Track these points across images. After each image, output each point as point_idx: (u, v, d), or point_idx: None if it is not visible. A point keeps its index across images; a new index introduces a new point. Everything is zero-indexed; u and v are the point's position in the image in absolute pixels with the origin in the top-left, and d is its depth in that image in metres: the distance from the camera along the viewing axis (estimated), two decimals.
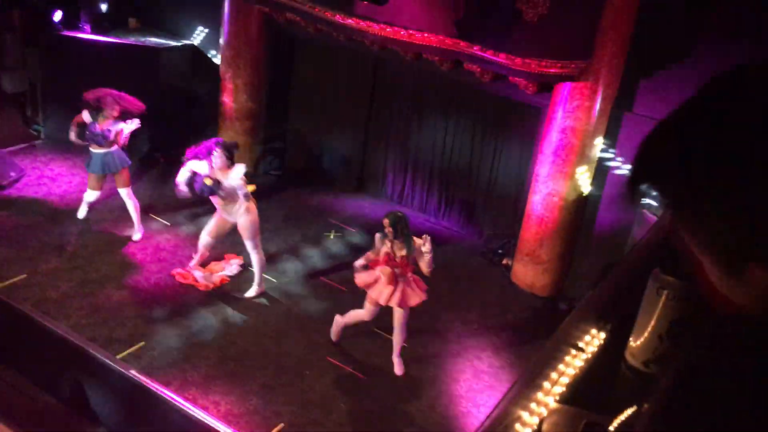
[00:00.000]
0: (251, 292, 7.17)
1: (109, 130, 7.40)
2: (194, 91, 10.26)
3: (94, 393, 6.03)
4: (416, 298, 6.07)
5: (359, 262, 6.15)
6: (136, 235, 7.91)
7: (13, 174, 8.73)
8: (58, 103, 9.64)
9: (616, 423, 1.62)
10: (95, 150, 7.51)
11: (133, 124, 7.44)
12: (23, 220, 8.03)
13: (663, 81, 6.72)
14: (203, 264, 7.39)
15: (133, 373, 5.73)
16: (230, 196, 6.69)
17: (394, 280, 5.95)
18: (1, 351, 6.45)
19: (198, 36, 10.14)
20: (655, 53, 6.78)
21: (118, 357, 6.01)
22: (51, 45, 9.56)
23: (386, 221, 5.82)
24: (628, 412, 1.60)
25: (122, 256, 7.61)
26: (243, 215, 6.82)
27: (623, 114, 7.13)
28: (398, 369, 6.34)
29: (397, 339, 6.28)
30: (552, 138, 7.41)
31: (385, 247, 5.90)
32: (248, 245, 7.01)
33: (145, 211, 8.40)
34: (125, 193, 7.77)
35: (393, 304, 6.03)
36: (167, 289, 7.15)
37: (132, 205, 7.85)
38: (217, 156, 6.61)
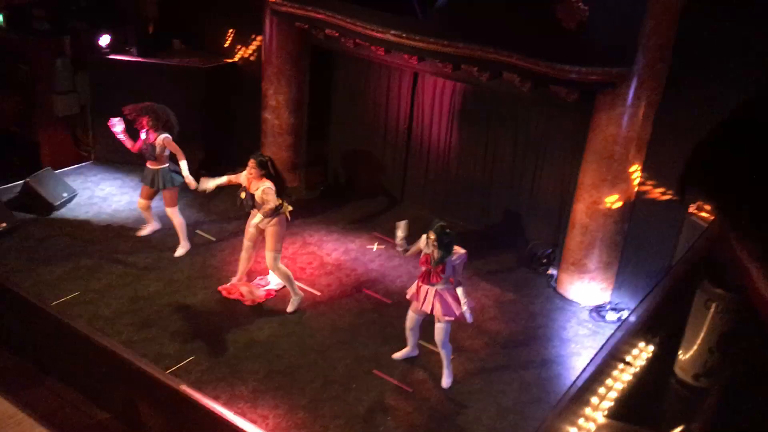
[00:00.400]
0: (291, 307, 7.22)
1: (153, 145, 7.61)
2: (237, 108, 10.46)
3: (145, 407, 6.16)
4: (451, 313, 5.99)
5: (402, 240, 6.13)
6: (179, 251, 8.08)
7: (65, 194, 9.00)
8: (107, 125, 9.92)
9: None
10: (147, 165, 7.78)
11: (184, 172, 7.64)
12: (75, 239, 8.28)
13: (707, 86, 6.59)
14: (249, 278, 7.50)
15: (183, 387, 5.85)
16: (260, 207, 6.80)
17: (427, 279, 5.96)
18: (56, 367, 6.65)
19: (239, 54, 10.32)
20: (699, 58, 6.65)
21: (168, 372, 6.13)
22: (99, 68, 9.85)
23: (432, 234, 5.81)
24: (677, 430, 1.57)
25: (170, 272, 7.76)
26: (269, 224, 6.91)
27: (667, 120, 7.00)
28: (445, 382, 6.33)
29: (441, 354, 6.28)
30: (595, 145, 7.33)
31: (427, 249, 5.92)
32: (268, 257, 7.04)
33: (192, 228, 8.59)
34: (168, 212, 7.99)
35: (427, 310, 6.03)
36: (214, 305, 7.27)
37: (176, 223, 8.04)
38: (250, 167, 6.75)
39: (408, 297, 6.31)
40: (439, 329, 6.11)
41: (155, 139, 7.60)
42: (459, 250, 5.89)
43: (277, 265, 7.06)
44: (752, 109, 0.95)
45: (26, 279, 7.33)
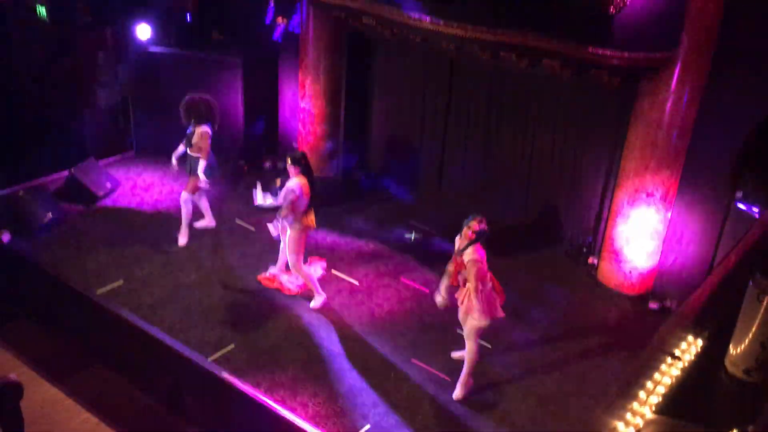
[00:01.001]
0: (314, 303, 7.17)
1: (192, 134, 7.77)
2: (275, 98, 10.51)
3: (188, 393, 6.26)
4: (475, 318, 5.73)
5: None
6: (181, 240, 8.15)
7: (108, 185, 9.18)
8: (148, 116, 10.08)
9: None
10: (188, 152, 7.88)
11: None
12: (119, 229, 8.44)
13: (755, 69, 6.40)
14: (287, 268, 7.54)
15: (225, 374, 5.93)
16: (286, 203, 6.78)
17: (454, 278, 5.83)
18: (102, 354, 6.79)
19: (277, 44, 10.34)
20: (746, 41, 6.45)
21: (210, 359, 6.22)
22: (140, 60, 9.99)
23: (468, 227, 5.68)
24: None
25: (211, 262, 7.87)
26: (290, 228, 6.89)
27: (713, 104, 6.82)
28: (456, 392, 6.06)
29: (465, 355, 6.04)
30: (638, 132, 7.19)
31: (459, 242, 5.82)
32: (288, 259, 7.05)
33: (232, 217, 8.72)
34: (183, 196, 8.03)
35: (457, 303, 5.88)
36: (254, 294, 7.34)
37: (184, 211, 8.08)
38: (287, 164, 6.81)
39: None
40: (467, 328, 5.87)
41: (194, 129, 7.72)
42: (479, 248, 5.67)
43: (297, 267, 7.05)
44: None
45: (72, 268, 7.50)
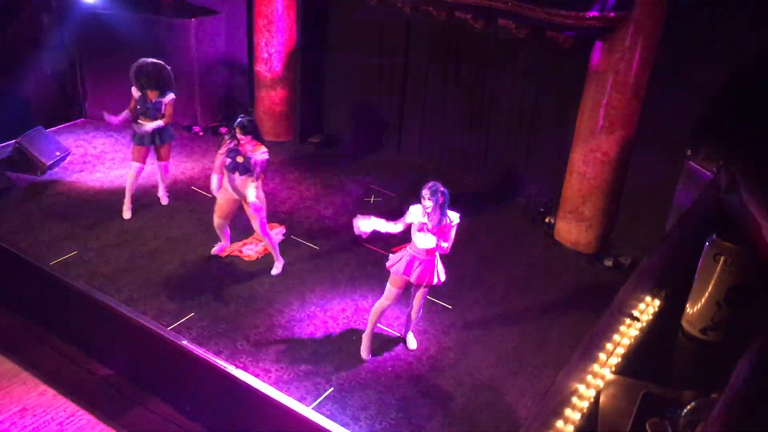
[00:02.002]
0: (276, 270, 7.12)
1: (160, 102, 7.52)
2: (229, 61, 10.28)
3: (147, 364, 6.21)
4: (436, 277, 5.75)
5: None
6: (165, 200, 8.28)
7: (58, 153, 8.89)
8: (98, 81, 9.77)
9: (683, 412, 1.59)
10: (144, 124, 7.54)
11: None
12: (71, 198, 8.23)
13: (707, 28, 6.47)
14: (245, 235, 7.47)
15: (185, 343, 5.88)
16: (247, 173, 6.52)
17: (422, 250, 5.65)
18: (59, 326, 6.67)
19: (229, 6, 10.09)
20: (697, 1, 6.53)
21: (169, 329, 6.16)
22: (87, 23, 9.63)
23: (427, 193, 5.37)
24: (693, 403, 1.57)
25: (168, 230, 7.74)
26: (252, 195, 6.53)
27: (666, 65, 6.90)
28: (412, 343, 6.27)
29: (412, 319, 6.17)
30: (592, 92, 7.25)
31: (422, 218, 5.51)
32: (254, 225, 6.84)
33: (187, 184, 8.55)
34: (164, 165, 8.01)
35: (416, 280, 5.73)
36: (213, 261, 7.27)
37: (167, 176, 8.21)
38: (237, 133, 6.39)
39: (390, 268, 5.82)
40: (420, 292, 5.89)
41: (158, 98, 7.49)
42: (455, 215, 5.53)
43: (266, 231, 6.92)
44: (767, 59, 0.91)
45: (24, 239, 7.31)
